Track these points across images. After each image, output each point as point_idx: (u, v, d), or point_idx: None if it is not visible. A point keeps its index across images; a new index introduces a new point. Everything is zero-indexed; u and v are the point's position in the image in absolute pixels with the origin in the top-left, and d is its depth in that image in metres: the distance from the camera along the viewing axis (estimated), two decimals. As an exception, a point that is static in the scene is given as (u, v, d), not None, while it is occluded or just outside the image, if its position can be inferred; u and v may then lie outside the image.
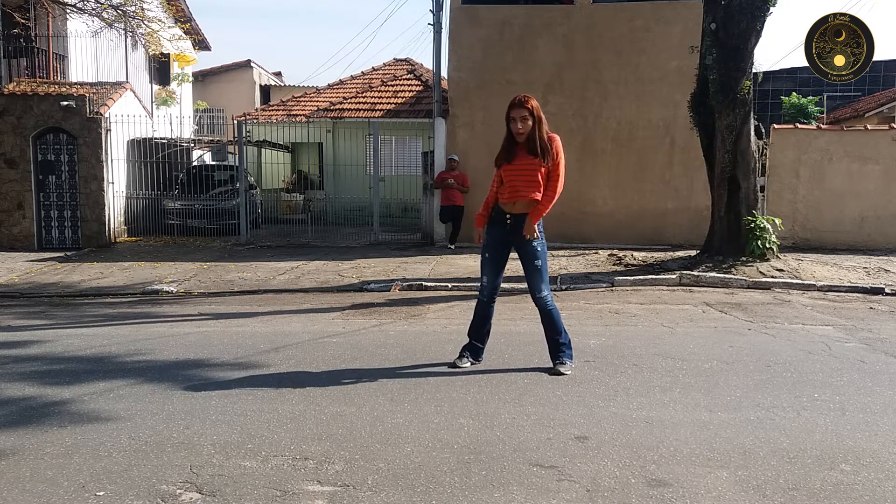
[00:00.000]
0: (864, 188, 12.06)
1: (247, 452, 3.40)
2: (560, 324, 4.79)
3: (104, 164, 12.81)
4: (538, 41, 12.73)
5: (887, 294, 7.99)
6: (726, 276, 8.60)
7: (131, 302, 8.20)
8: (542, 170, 4.62)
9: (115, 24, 12.78)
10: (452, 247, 12.34)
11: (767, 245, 9.14)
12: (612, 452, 3.38)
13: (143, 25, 13.29)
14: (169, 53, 17.48)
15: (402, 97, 17.63)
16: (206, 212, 14.04)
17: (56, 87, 13.24)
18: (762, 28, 9.01)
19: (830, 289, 8.24)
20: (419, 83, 18.18)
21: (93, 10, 12.34)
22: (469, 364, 4.88)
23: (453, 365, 4.87)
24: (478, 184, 11.91)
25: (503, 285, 8.05)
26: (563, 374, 4.66)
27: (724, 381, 4.54)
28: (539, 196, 4.65)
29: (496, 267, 4.86)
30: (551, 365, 4.76)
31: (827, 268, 9.30)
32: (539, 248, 4.70)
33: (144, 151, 14.01)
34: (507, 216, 4.72)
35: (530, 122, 4.57)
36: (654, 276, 8.77)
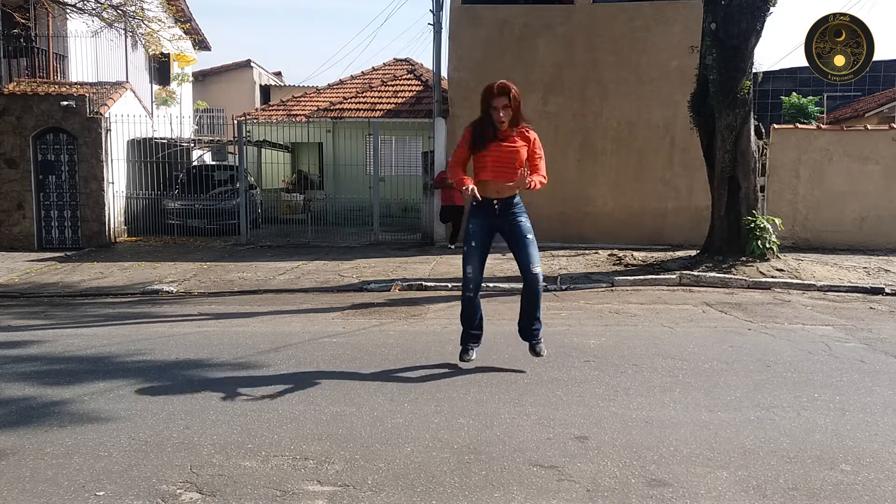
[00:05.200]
0: (864, 188, 12.06)
1: (247, 452, 3.40)
2: (540, 307, 4.79)
3: (104, 164, 12.81)
4: (538, 41, 12.73)
5: (887, 294, 7.99)
6: (726, 276, 8.60)
7: (131, 302, 8.20)
8: (524, 152, 4.61)
9: (115, 24, 12.77)
10: (452, 247, 12.34)
11: (767, 245, 9.14)
12: (612, 452, 3.38)
13: (143, 25, 13.28)
14: (169, 53, 17.47)
15: (402, 97, 17.62)
16: (206, 212, 14.04)
17: (56, 87, 13.24)
18: (762, 28, 9.01)
19: (830, 289, 8.24)
20: (419, 83, 18.17)
21: (93, 10, 12.34)
22: (475, 355, 4.87)
23: (464, 359, 4.82)
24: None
25: (502, 285, 8.12)
26: (542, 355, 4.73)
27: (724, 381, 4.54)
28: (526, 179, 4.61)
29: (481, 257, 4.80)
30: (529, 346, 4.80)
31: (827, 268, 9.30)
32: (528, 223, 4.70)
33: (144, 151, 14.00)
34: (495, 202, 4.66)
35: (511, 111, 4.54)
36: (654, 276, 8.77)
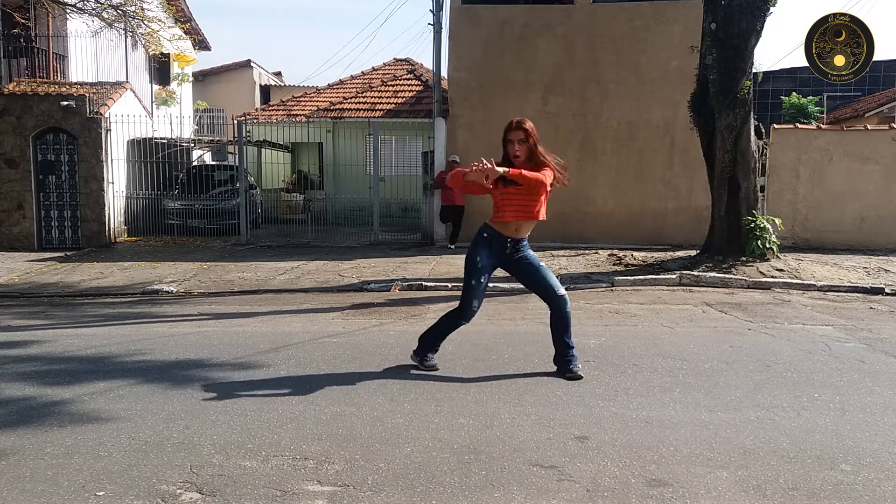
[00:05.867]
0: (864, 188, 12.06)
1: (247, 452, 3.40)
2: (571, 327, 4.69)
3: (104, 164, 12.81)
4: (538, 41, 12.73)
5: (887, 294, 7.99)
6: (726, 276, 8.60)
7: (131, 302, 8.19)
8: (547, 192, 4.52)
9: (115, 24, 12.77)
10: (452, 247, 12.34)
11: (767, 245, 9.14)
12: (612, 452, 3.38)
13: (143, 25, 13.28)
14: (169, 53, 17.47)
15: (402, 97, 17.62)
16: (206, 212, 14.04)
17: (56, 87, 13.24)
18: (762, 28, 9.02)
19: (830, 289, 8.24)
20: (419, 83, 18.17)
21: (93, 10, 12.33)
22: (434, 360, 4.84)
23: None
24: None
25: (503, 285, 8.11)
26: (580, 376, 4.55)
27: (724, 381, 4.54)
28: (543, 217, 4.58)
29: (484, 291, 4.73)
30: (558, 369, 4.66)
31: (827, 268, 9.30)
32: (534, 254, 4.71)
33: (144, 151, 14.01)
34: (508, 240, 4.59)
35: (527, 146, 4.46)
36: (654, 276, 8.77)
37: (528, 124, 4.49)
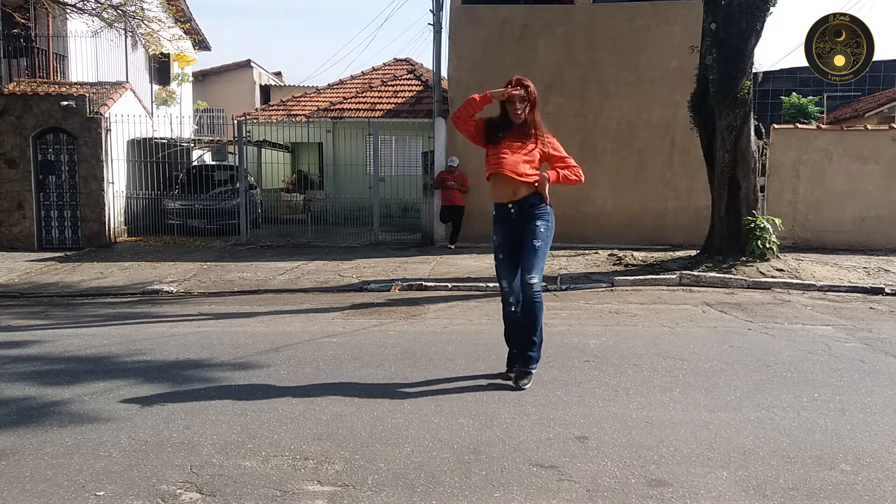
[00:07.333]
0: (864, 188, 12.06)
1: (247, 452, 3.40)
2: (541, 321, 4.38)
3: (104, 164, 12.81)
4: (538, 41, 12.73)
5: (887, 294, 7.99)
6: (726, 276, 8.60)
7: (131, 302, 8.20)
8: (538, 154, 4.41)
9: (115, 24, 12.77)
10: (452, 247, 12.34)
11: (767, 245, 9.14)
12: (612, 452, 3.38)
13: (143, 25, 13.28)
14: (169, 53, 17.47)
15: (402, 97, 17.62)
16: (206, 212, 14.05)
17: (56, 87, 13.24)
18: (762, 28, 9.01)
19: (830, 289, 8.24)
20: (419, 83, 18.17)
21: (93, 10, 12.34)
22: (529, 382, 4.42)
23: (517, 388, 4.33)
24: (478, 184, 11.90)
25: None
26: (521, 388, 4.29)
27: (724, 381, 4.54)
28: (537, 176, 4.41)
29: (513, 266, 4.44)
30: (516, 372, 4.41)
31: (827, 268, 9.30)
32: (543, 230, 4.37)
33: (144, 151, 14.01)
34: (511, 206, 4.40)
35: (527, 104, 4.37)
36: (654, 276, 8.77)
37: (529, 82, 4.36)
